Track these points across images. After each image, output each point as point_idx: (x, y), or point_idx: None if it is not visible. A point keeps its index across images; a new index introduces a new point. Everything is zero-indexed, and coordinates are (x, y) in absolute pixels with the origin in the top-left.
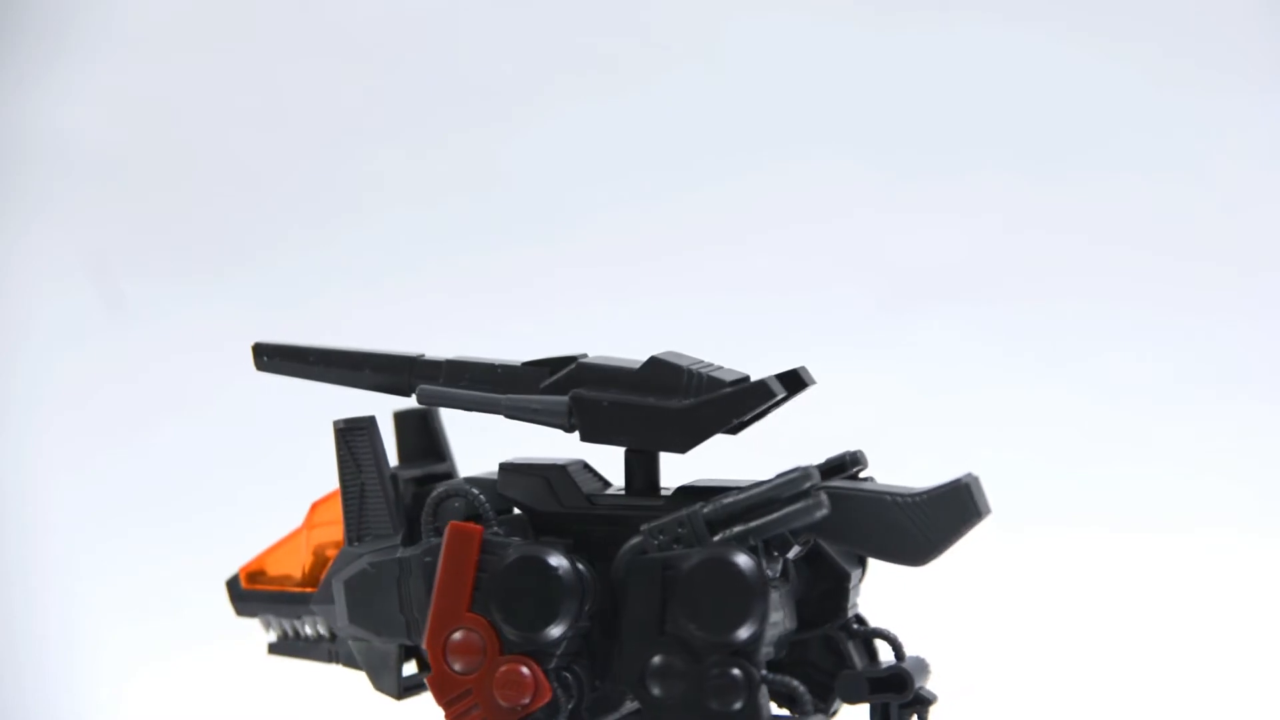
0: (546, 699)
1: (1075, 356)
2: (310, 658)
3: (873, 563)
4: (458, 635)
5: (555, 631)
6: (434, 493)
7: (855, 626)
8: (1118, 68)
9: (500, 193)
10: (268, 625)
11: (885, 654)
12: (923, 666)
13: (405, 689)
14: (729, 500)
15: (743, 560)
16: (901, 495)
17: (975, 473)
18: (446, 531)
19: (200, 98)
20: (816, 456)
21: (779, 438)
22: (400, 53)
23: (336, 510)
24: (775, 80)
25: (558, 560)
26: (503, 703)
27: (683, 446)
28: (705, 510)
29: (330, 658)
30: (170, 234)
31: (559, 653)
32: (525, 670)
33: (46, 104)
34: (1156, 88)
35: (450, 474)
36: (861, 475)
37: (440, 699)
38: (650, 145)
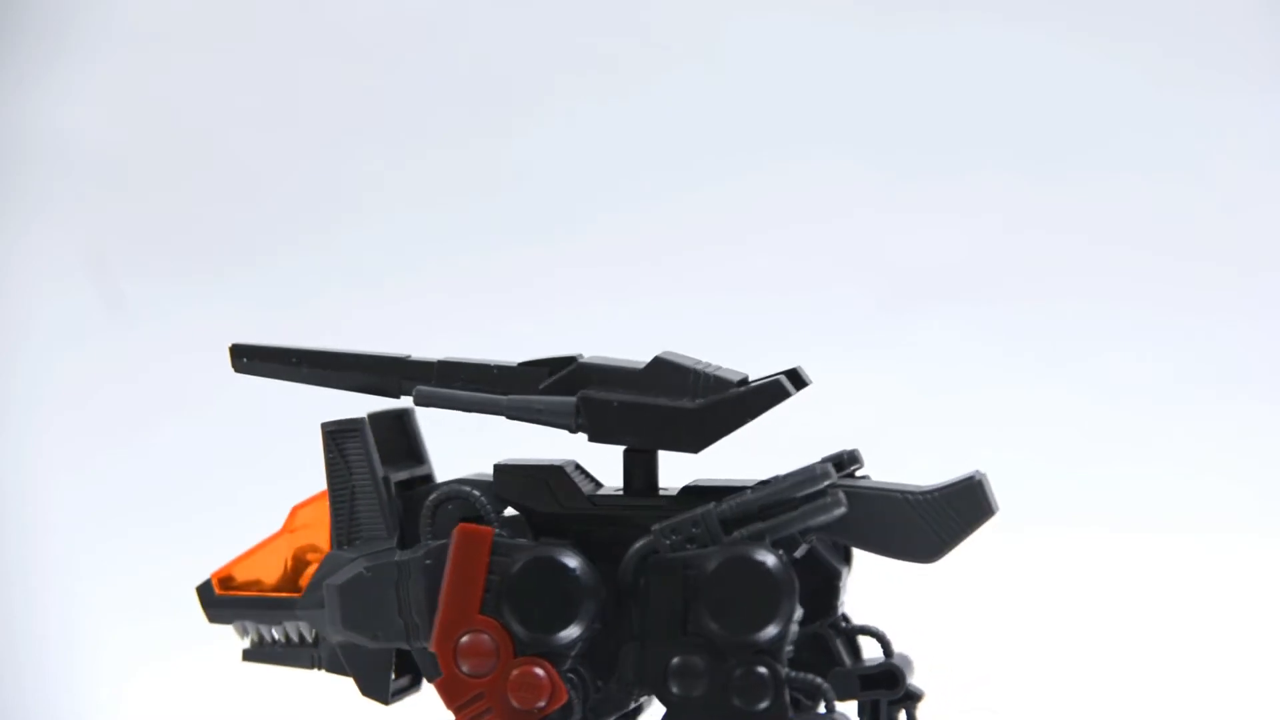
0: (562, 701)
1: (1075, 356)
2: (289, 664)
3: (863, 561)
4: (468, 638)
5: (572, 633)
6: (432, 495)
7: (842, 624)
8: (1118, 68)
9: (500, 193)
10: (243, 632)
11: (869, 651)
12: (909, 663)
13: (394, 693)
14: (743, 499)
15: (770, 559)
16: (913, 493)
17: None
18: (455, 533)
19: (200, 98)
20: (815, 456)
21: (778, 437)
22: (400, 53)
23: (319, 513)
24: (775, 80)
25: (574, 561)
26: (518, 705)
27: (695, 447)
28: (720, 509)
29: (313, 663)
30: (170, 234)
31: (573, 654)
32: (540, 672)
33: (46, 104)
34: (1156, 88)
35: (430, 476)
36: (859, 474)
37: (451, 703)
38: (650, 145)
